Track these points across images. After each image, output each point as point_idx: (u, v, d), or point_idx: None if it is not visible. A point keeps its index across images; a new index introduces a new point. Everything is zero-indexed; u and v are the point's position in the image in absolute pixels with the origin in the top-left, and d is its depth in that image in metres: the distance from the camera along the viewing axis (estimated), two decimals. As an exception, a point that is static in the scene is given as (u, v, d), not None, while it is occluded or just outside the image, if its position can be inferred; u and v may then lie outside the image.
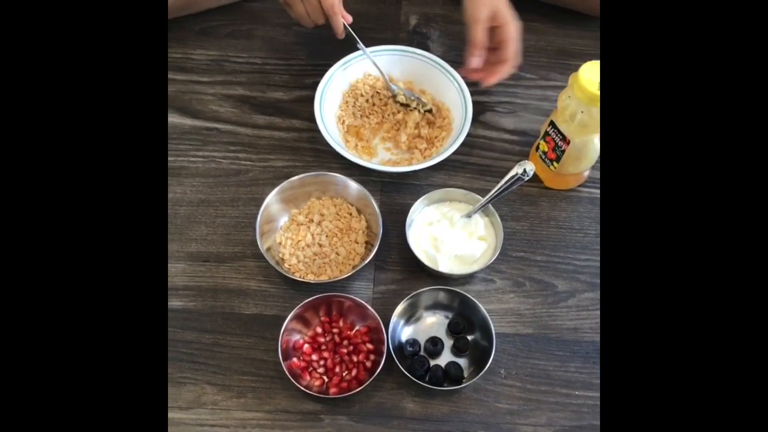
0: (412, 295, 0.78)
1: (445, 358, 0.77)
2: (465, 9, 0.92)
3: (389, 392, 0.76)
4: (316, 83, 0.92)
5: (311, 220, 0.85)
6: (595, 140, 0.83)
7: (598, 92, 0.74)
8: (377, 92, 0.97)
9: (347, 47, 0.95)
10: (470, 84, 0.94)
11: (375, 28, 1.06)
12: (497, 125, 0.97)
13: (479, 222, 0.85)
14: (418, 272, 0.84)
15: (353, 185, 0.85)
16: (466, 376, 0.76)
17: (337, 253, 0.83)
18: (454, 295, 0.79)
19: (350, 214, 0.86)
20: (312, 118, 0.89)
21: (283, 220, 0.86)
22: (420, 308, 0.80)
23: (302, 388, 0.72)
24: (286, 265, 0.82)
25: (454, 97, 0.93)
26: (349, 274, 0.79)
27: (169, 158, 0.91)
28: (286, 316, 0.75)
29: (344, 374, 0.76)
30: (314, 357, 0.76)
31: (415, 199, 0.84)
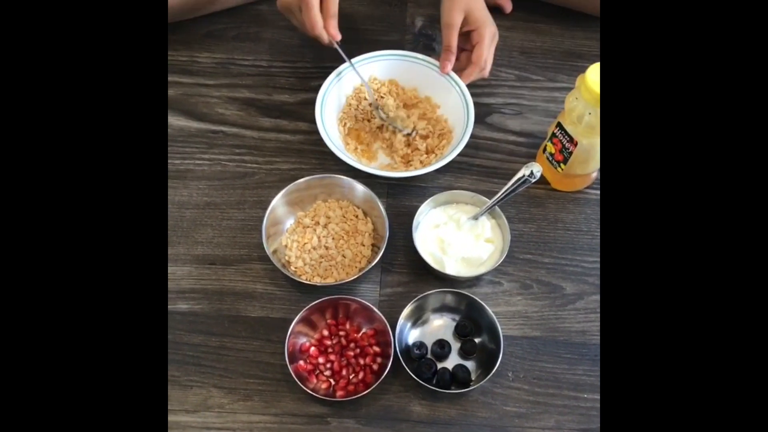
0: (418, 297, 0.77)
1: (452, 361, 0.77)
2: (441, 13, 0.94)
3: (396, 395, 0.75)
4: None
5: (317, 223, 0.85)
6: (603, 142, 0.82)
7: (606, 93, 0.73)
8: (381, 97, 0.96)
9: (354, 50, 0.94)
10: (474, 86, 0.93)
11: (380, 30, 1.06)
12: (504, 127, 0.97)
13: (486, 224, 0.84)
14: (425, 275, 0.83)
15: (359, 188, 0.85)
16: (473, 379, 0.75)
17: (344, 256, 0.83)
18: (461, 298, 0.79)
19: (356, 217, 0.86)
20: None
21: (289, 223, 0.86)
22: (427, 311, 0.80)
23: (309, 391, 0.72)
24: (292, 267, 0.82)
25: (455, 100, 0.93)
26: (355, 277, 0.79)
27: (174, 161, 0.91)
28: (293, 319, 0.75)
29: (351, 377, 0.75)
30: (321, 360, 0.76)
31: (422, 202, 0.84)
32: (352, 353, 0.76)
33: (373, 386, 0.72)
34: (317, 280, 0.81)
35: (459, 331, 0.78)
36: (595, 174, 0.90)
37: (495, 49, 0.94)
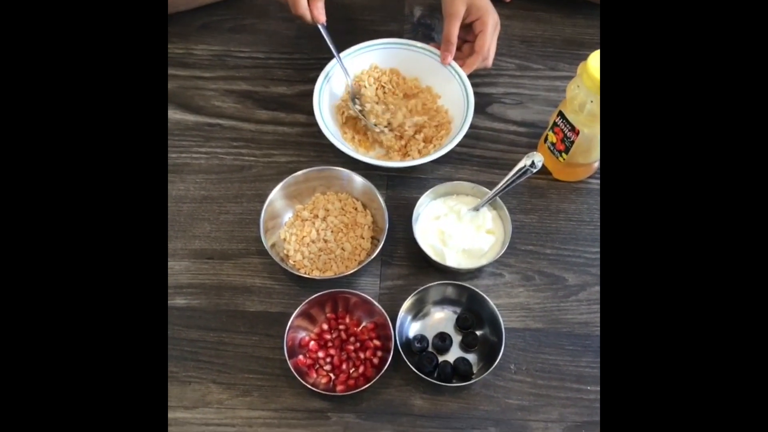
0: (419, 290, 0.76)
1: (453, 354, 0.76)
2: (443, 3, 0.93)
3: (397, 389, 0.74)
4: (320, 77, 0.91)
5: (316, 216, 0.84)
6: (605, 130, 0.81)
7: (607, 81, 0.72)
8: (382, 85, 0.95)
9: (351, 40, 0.93)
10: (475, 76, 0.92)
11: (379, 20, 1.05)
12: (504, 117, 0.96)
13: (487, 215, 0.83)
14: (426, 267, 0.82)
15: (358, 179, 0.84)
16: (475, 372, 0.74)
17: (343, 249, 0.82)
18: (462, 290, 0.78)
19: (355, 209, 0.85)
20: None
21: (288, 216, 0.85)
22: (428, 303, 0.79)
23: (308, 385, 0.71)
24: (291, 261, 0.81)
25: (455, 89, 0.92)
26: (355, 270, 0.78)
27: (171, 155, 0.90)
28: (292, 313, 0.74)
29: (351, 371, 0.74)
30: (320, 354, 0.75)
31: (422, 193, 0.83)
32: (352, 347, 0.75)
33: (374, 380, 0.71)
34: (316, 274, 0.80)
35: (460, 324, 0.77)
36: (597, 164, 0.89)
37: (497, 38, 0.93)
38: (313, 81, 0.90)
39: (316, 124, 0.87)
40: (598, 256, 0.84)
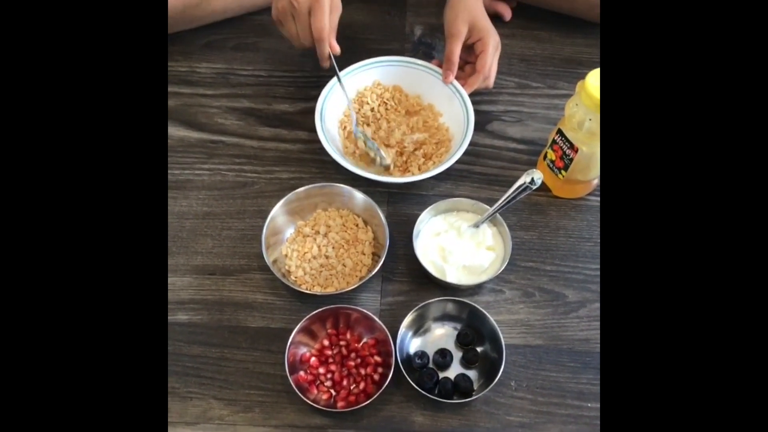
0: (420, 306, 0.77)
1: (454, 371, 0.76)
2: (445, 24, 0.94)
3: (398, 405, 0.74)
4: (322, 95, 0.92)
5: (317, 232, 0.85)
6: (604, 148, 0.82)
7: (606, 99, 0.73)
8: (384, 102, 0.96)
9: (352, 58, 0.94)
10: (475, 94, 0.93)
11: (380, 39, 1.06)
12: (504, 134, 0.97)
13: (487, 232, 0.84)
14: (426, 283, 0.83)
15: (359, 196, 0.84)
16: (475, 388, 0.74)
17: (344, 265, 0.82)
18: (463, 306, 0.78)
19: (357, 225, 0.86)
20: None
21: (289, 232, 0.85)
22: (428, 320, 0.79)
23: (309, 401, 0.71)
24: (292, 277, 0.82)
25: (456, 107, 0.93)
26: (356, 286, 0.79)
27: (174, 171, 0.91)
28: (293, 329, 0.74)
29: (352, 387, 0.74)
30: (321, 370, 0.75)
31: (422, 210, 0.83)
32: (353, 363, 0.75)
33: (375, 396, 0.71)
34: (317, 290, 0.80)
35: (461, 340, 0.78)
36: (596, 181, 0.90)
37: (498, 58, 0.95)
38: (315, 98, 0.91)
39: (317, 141, 0.88)
40: (598, 272, 0.84)
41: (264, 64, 1.03)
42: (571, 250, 0.86)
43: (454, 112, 0.94)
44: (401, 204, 0.89)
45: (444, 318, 0.79)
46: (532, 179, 0.77)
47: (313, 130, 0.89)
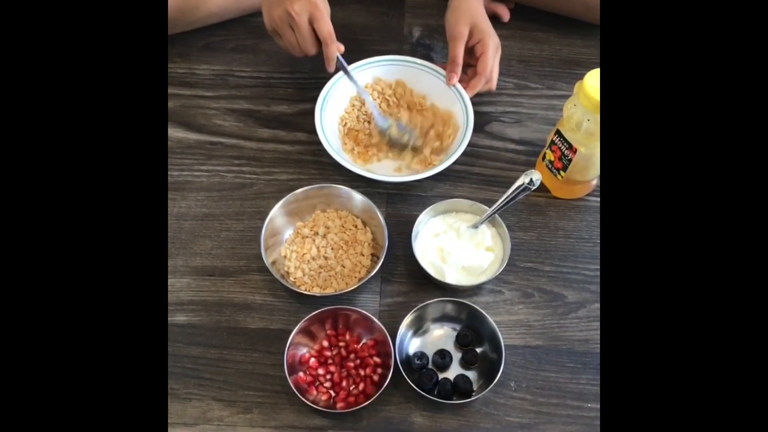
0: (419, 307, 0.77)
1: (453, 371, 0.76)
2: (447, 26, 0.95)
3: (397, 406, 0.74)
4: (321, 96, 0.92)
5: (316, 233, 0.85)
6: (602, 148, 0.82)
7: (604, 100, 0.73)
8: (386, 98, 0.96)
9: (351, 59, 0.94)
10: (475, 95, 0.93)
11: (379, 40, 1.06)
12: (503, 135, 0.97)
13: (486, 233, 0.84)
14: (425, 284, 0.83)
15: (358, 197, 0.84)
16: (475, 389, 0.74)
17: (343, 266, 0.82)
18: (462, 307, 0.78)
19: (355, 227, 0.86)
20: (316, 131, 0.89)
21: (288, 234, 0.85)
22: (427, 320, 0.79)
23: (309, 402, 0.71)
24: (291, 278, 0.82)
25: (456, 107, 0.93)
26: (355, 287, 0.79)
27: (173, 173, 0.91)
28: (292, 330, 0.74)
29: (351, 388, 0.74)
30: (321, 371, 0.75)
31: (421, 211, 0.83)
32: (352, 364, 0.75)
33: (374, 397, 0.71)
34: (316, 291, 0.80)
35: (460, 341, 0.78)
36: (595, 181, 0.90)
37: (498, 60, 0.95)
38: (314, 100, 0.91)
39: (316, 142, 0.88)
40: (597, 273, 0.84)
41: (263, 65, 1.03)
42: (570, 250, 0.86)
43: (454, 113, 0.94)
44: (400, 205, 0.89)
45: (443, 319, 0.79)
46: (531, 180, 0.78)
47: (312, 131, 0.89)
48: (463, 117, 0.91)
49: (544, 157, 0.89)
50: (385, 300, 0.82)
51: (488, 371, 0.75)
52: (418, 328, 0.79)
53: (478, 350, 0.77)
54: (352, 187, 0.85)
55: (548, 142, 0.86)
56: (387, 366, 0.74)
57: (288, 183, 0.90)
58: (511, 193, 0.79)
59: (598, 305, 0.82)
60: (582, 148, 0.81)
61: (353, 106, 0.95)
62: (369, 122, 0.95)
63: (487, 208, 0.83)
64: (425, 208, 0.84)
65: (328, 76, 0.94)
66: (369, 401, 0.71)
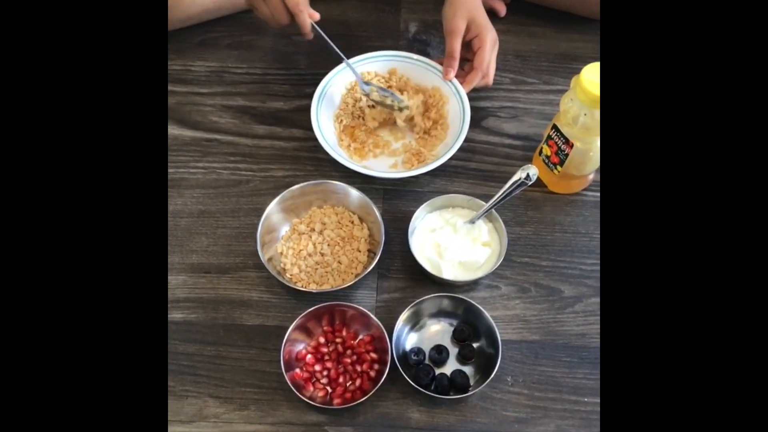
0: (415, 302, 0.76)
1: (450, 367, 0.76)
2: (444, 20, 0.94)
3: (394, 402, 0.74)
4: (316, 92, 0.92)
5: (313, 229, 0.85)
6: (599, 143, 0.82)
7: (601, 94, 0.73)
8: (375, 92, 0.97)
9: (347, 56, 0.94)
10: (472, 91, 0.93)
11: (374, 36, 1.06)
12: (499, 130, 0.97)
13: (483, 228, 0.83)
14: (422, 279, 0.83)
15: (354, 193, 0.84)
16: (472, 384, 0.74)
17: (340, 262, 0.82)
18: (459, 302, 0.78)
19: (352, 223, 0.85)
20: (312, 127, 0.89)
21: (285, 230, 0.85)
22: (424, 316, 0.79)
23: (305, 399, 0.71)
24: (287, 275, 0.81)
25: (452, 102, 0.93)
26: (351, 283, 0.78)
27: (169, 170, 0.91)
28: (288, 327, 0.74)
29: (348, 384, 0.74)
30: (317, 367, 0.75)
31: (418, 206, 0.83)
32: (348, 360, 0.75)
33: (371, 393, 0.71)
34: (313, 287, 0.80)
35: (457, 336, 0.77)
36: (592, 176, 0.90)
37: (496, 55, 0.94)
38: (310, 96, 0.91)
39: (312, 139, 0.88)
40: (594, 267, 0.84)
41: (258, 62, 1.03)
42: (567, 245, 0.86)
43: (450, 107, 0.94)
44: (396, 201, 0.89)
45: (440, 314, 0.79)
46: (528, 175, 0.77)
47: (308, 127, 0.89)
48: (460, 112, 0.91)
49: (540, 152, 0.88)
50: (382, 296, 0.82)
51: (485, 366, 0.75)
52: (415, 323, 0.79)
53: (475, 345, 0.77)
54: (349, 183, 0.85)
55: (545, 136, 0.86)
56: (384, 362, 0.74)
57: (284, 179, 0.90)
58: (508, 188, 0.79)
59: (594, 299, 0.82)
60: (579, 142, 0.81)
61: (346, 103, 0.95)
62: (362, 117, 0.95)
63: (483, 203, 0.83)
64: (422, 204, 0.83)
65: (324, 73, 0.93)
66: (366, 397, 0.71)
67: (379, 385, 0.71)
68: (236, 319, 0.80)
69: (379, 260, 0.79)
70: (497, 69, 0.96)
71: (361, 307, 0.76)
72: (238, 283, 0.82)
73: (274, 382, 0.75)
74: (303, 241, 0.83)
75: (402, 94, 0.94)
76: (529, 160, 0.93)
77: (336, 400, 0.73)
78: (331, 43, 0.90)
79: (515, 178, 0.78)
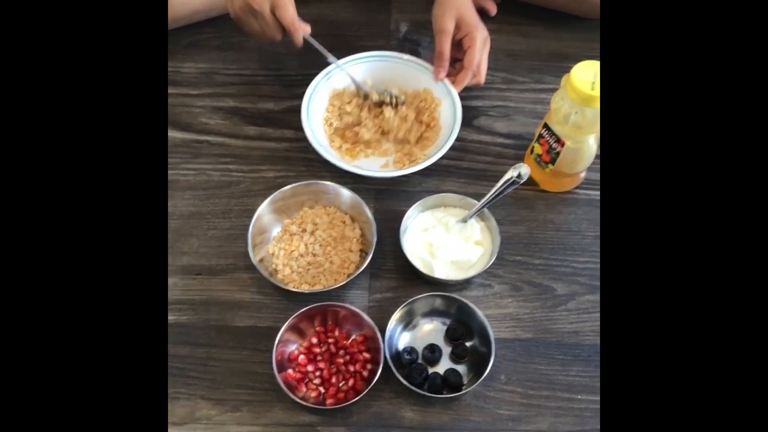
0: (408, 302, 0.76)
1: (443, 366, 0.76)
2: (433, 20, 0.94)
3: (387, 401, 0.74)
4: (306, 93, 0.92)
5: (304, 230, 0.84)
6: (590, 141, 0.82)
7: (591, 93, 0.73)
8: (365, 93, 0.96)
9: (337, 56, 0.94)
10: (463, 90, 0.93)
11: (365, 36, 1.06)
12: (491, 129, 0.97)
13: (475, 227, 0.83)
14: (414, 279, 0.82)
15: (346, 193, 0.84)
16: (465, 383, 0.74)
17: (331, 262, 0.82)
18: (451, 301, 0.78)
19: (344, 223, 0.85)
20: (302, 128, 0.88)
21: (276, 231, 0.85)
22: (417, 315, 0.79)
23: (298, 399, 0.71)
24: (279, 275, 0.81)
25: (443, 101, 0.93)
26: (343, 283, 0.78)
27: (159, 171, 0.90)
28: (281, 328, 0.74)
29: (341, 384, 0.74)
30: (310, 368, 0.75)
31: (409, 206, 0.83)
32: (341, 360, 0.75)
33: (364, 393, 0.71)
34: (305, 288, 0.80)
35: (450, 335, 0.77)
36: (583, 174, 0.90)
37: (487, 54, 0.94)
38: (300, 97, 0.91)
39: (303, 139, 0.88)
40: (587, 265, 0.84)
41: (248, 62, 1.02)
42: (559, 243, 0.86)
43: (442, 108, 0.93)
44: (388, 200, 0.89)
45: (433, 313, 0.79)
46: (520, 173, 0.77)
47: (299, 128, 0.89)
48: (452, 112, 0.91)
49: (532, 151, 0.88)
50: (374, 296, 0.81)
51: (478, 365, 0.75)
52: (408, 323, 0.79)
53: (468, 344, 0.77)
54: (340, 183, 0.85)
55: (536, 135, 0.86)
56: (376, 361, 0.73)
57: (275, 180, 0.90)
58: (500, 186, 0.79)
59: (587, 297, 0.82)
60: (570, 141, 0.81)
61: (333, 105, 0.95)
62: (357, 127, 0.94)
63: (475, 202, 0.83)
64: (413, 203, 0.83)
65: (314, 73, 0.93)
66: (359, 397, 0.71)
67: (372, 384, 0.71)
68: (228, 320, 0.79)
69: (371, 260, 0.79)
70: (489, 68, 0.96)
71: (353, 307, 0.76)
72: (230, 284, 0.82)
73: (267, 383, 0.74)
74: (294, 241, 0.83)
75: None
76: (520, 158, 0.93)
77: (329, 401, 0.72)
78: (326, 52, 0.90)
79: (507, 176, 0.78)
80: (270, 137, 0.95)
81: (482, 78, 0.95)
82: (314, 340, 0.76)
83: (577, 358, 0.77)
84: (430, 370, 0.75)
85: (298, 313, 0.75)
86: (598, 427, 0.73)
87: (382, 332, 0.74)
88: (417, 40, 1.06)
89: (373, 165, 0.91)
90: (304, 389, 0.74)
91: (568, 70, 0.76)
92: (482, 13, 1.06)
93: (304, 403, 0.71)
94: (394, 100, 0.92)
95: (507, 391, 0.75)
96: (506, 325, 0.80)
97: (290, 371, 0.74)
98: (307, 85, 0.92)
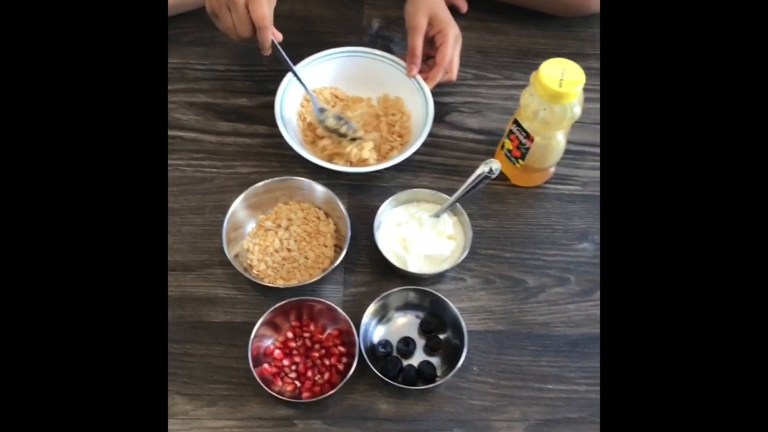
0: (382, 296, 0.77)
1: (417, 358, 0.77)
2: (406, 17, 0.95)
3: (363, 394, 0.75)
4: (280, 88, 0.92)
5: (279, 226, 0.85)
6: (559, 137, 0.84)
7: (559, 89, 0.75)
8: (340, 100, 0.97)
9: (310, 53, 0.94)
10: (435, 86, 0.94)
11: (337, 32, 1.06)
12: (462, 125, 0.98)
13: (447, 221, 0.85)
14: (388, 273, 0.84)
15: (320, 189, 0.85)
16: (439, 374, 0.76)
17: (306, 257, 0.82)
18: (425, 295, 0.79)
19: (318, 218, 0.86)
20: (276, 124, 0.89)
21: (251, 227, 0.85)
22: (391, 309, 0.80)
23: (274, 393, 0.71)
24: (254, 271, 0.81)
25: (415, 97, 0.94)
26: (318, 278, 0.79)
27: (132, 168, 0.90)
28: (256, 323, 0.74)
29: (317, 378, 0.75)
30: (285, 362, 0.75)
31: (383, 201, 0.84)
32: (317, 354, 0.76)
33: (339, 386, 0.72)
34: (280, 283, 0.80)
35: (423, 328, 0.79)
36: (553, 169, 0.92)
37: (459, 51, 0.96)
38: (273, 92, 0.91)
39: (277, 135, 0.88)
40: (557, 258, 0.86)
41: (221, 58, 1.02)
42: (529, 237, 0.88)
43: (414, 104, 0.94)
44: (362, 196, 0.90)
45: (407, 307, 0.80)
46: (491, 169, 0.79)
47: (273, 124, 0.89)
48: (424, 108, 0.92)
49: (502, 146, 0.90)
50: (349, 290, 0.82)
51: (451, 357, 0.76)
52: (382, 316, 0.80)
53: (442, 336, 0.78)
54: (314, 179, 0.85)
55: (506, 131, 0.88)
56: (352, 355, 0.74)
57: (249, 176, 0.90)
58: (472, 182, 0.80)
59: (557, 289, 0.84)
60: (539, 137, 0.82)
61: (307, 100, 0.95)
62: (315, 142, 0.94)
63: (448, 197, 0.84)
64: (387, 199, 0.84)
65: (287, 69, 0.93)
66: (334, 390, 0.72)
67: (348, 377, 0.72)
68: (203, 316, 0.79)
69: (345, 255, 0.80)
70: (460, 65, 0.97)
71: (328, 302, 0.77)
72: (205, 280, 0.82)
73: (243, 377, 0.75)
74: (269, 237, 0.84)
75: (354, 119, 0.94)
76: (491, 154, 0.94)
77: (305, 394, 0.73)
78: (292, 66, 0.90)
79: (478, 172, 0.80)
80: (244, 133, 0.95)
81: (454, 75, 0.96)
82: (290, 335, 0.77)
83: (547, 349, 0.79)
84: (405, 363, 0.76)
85: (273, 308, 0.75)
86: (570, 415, 0.75)
87: (357, 326, 0.75)
88: (389, 37, 1.07)
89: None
90: (280, 383, 0.74)
91: (537, 67, 0.78)
92: (454, 10, 1.07)
93: (281, 397, 0.72)
94: (350, 133, 0.90)
95: (480, 382, 0.77)
96: (479, 317, 0.81)
97: (266, 366, 0.75)
98: (281, 80, 0.93)
